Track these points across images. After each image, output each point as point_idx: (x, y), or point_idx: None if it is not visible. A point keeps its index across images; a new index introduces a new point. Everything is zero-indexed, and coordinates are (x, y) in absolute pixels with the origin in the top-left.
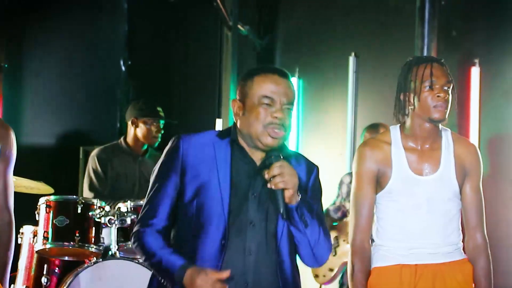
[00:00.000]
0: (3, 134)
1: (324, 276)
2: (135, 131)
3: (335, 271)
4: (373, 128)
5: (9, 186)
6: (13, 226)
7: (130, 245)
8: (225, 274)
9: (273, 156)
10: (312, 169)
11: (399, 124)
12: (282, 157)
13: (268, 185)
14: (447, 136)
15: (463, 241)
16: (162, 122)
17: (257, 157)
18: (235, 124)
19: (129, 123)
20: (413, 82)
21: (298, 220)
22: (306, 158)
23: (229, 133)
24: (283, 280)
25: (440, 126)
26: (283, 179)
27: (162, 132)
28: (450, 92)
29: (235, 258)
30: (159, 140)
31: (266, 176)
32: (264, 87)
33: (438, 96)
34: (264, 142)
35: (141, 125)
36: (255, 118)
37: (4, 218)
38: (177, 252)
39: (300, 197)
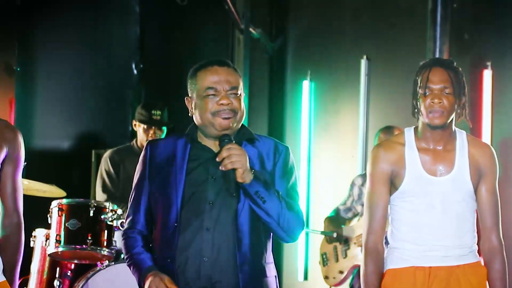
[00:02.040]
0: (11, 137)
1: (334, 278)
2: (137, 134)
3: (345, 273)
4: (388, 130)
5: (18, 188)
6: (22, 228)
7: None
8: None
9: (224, 140)
10: (279, 149)
11: (414, 126)
12: (232, 141)
13: (220, 167)
14: (462, 138)
15: (478, 243)
16: (165, 127)
17: (215, 145)
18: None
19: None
20: (416, 86)
21: (255, 196)
22: (275, 140)
23: (190, 129)
24: (241, 255)
25: (455, 128)
26: (230, 160)
27: (163, 134)
28: (451, 95)
29: (192, 236)
30: None
31: (217, 159)
32: (206, 79)
33: (432, 102)
34: (218, 126)
35: (138, 128)
36: (204, 109)
37: (13, 220)
38: (149, 250)
39: (253, 175)
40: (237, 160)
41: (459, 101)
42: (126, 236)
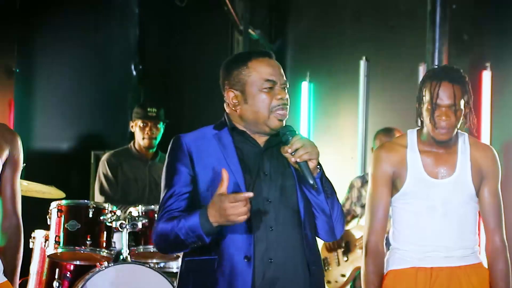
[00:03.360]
0: (10, 139)
1: (336, 281)
2: (135, 135)
3: (347, 277)
4: (388, 131)
5: (17, 191)
6: (22, 230)
7: (142, 249)
8: (249, 194)
9: (287, 132)
10: None
11: (417, 129)
12: (296, 131)
13: (292, 159)
14: (463, 140)
15: (480, 244)
16: (162, 124)
17: (261, 141)
18: (227, 115)
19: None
20: (424, 97)
21: (322, 190)
22: (293, 128)
23: (225, 124)
24: (308, 253)
25: (457, 130)
26: (306, 151)
27: (159, 133)
28: (458, 110)
29: (256, 236)
30: (156, 141)
31: (289, 151)
32: (263, 71)
33: (439, 119)
34: (273, 125)
35: (136, 128)
36: (261, 104)
37: (13, 222)
38: (203, 246)
39: (319, 167)
40: (312, 150)
41: (464, 111)
42: (157, 225)
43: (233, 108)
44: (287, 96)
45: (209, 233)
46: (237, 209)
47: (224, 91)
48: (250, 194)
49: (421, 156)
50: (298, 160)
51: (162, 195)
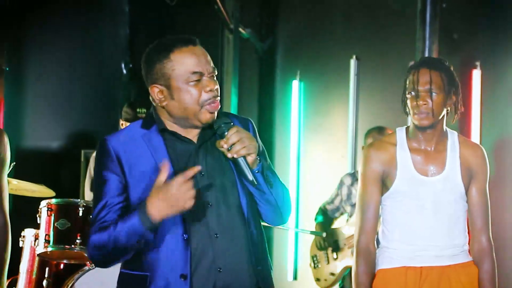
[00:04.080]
0: None
1: (325, 280)
2: None
3: (336, 275)
4: (380, 130)
5: (3, 189)
6: (9, 228)
7: None
8: (194, 169)
9: (222, 124)
10: (247, 124)
11: (406, 126)
12: (232, 123)
13: (229, 155)
14: (453, 138)
15: (469, 243)
16: None
17: (193, 135)
18: (154, 110)
19: None
20: (405, 87)
21: (263, 183)
22: (236, 115)
23: (153, 121)
24: (255, 254)
25: (446, 128)
26: (244, 145)
27: None
28: (438, 95)
29: (202, 245)
30: None
31: (225, 146)
32: (187, 63)
33: (417, 103)
34: (204, 119)
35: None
36: (189, 99)
37: (0, 220)
38: (137, 261)
39: (259, 159)
40: (250, 144)
41: (448, 100)
42: (90, 238)
43: (160, 104)
44: (217, 86)
45: (152, 228)
46: (185, 193)
47: (148, 86)
48: (198, 168)
49: (411, 154)
50: (235, 155)
51: (93, 208)
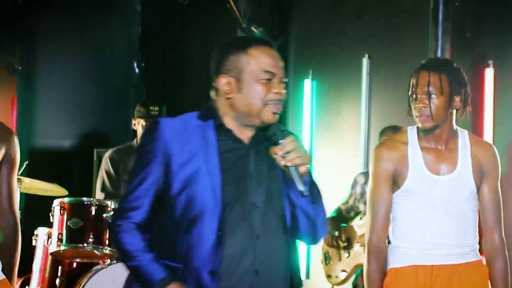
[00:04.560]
0: (7, 137)
1: (336, 276)
2: (137, 132)
3: (348, 273)
4: (396, 130)
5: (14, 189)
6: (19, 229)
7: None
8: None
9: (277, 132)
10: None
11: (417, 125)
12: (287, 132)
13: (282, 162)
14: (463, 137)
15: (480, 242)
16: None
17: (246, 136)
18: (215, 105)
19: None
20: (411, 90)
21: (310, 195)
22: (285, 128)
23: (211, 114)
24: (291, 262)
25: (456, 127)
26: (299, 155)
27: None
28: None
29: (243, 245)
30: None
31: (280, 153)
32: (263, 61)
33: (418, 106)
34: (266, 118)
35: (138, 126)
36: (254, 95)
37: (10, 222)
38: (171, 251)
39: (309, 171)
40: (304, 154)
41: (452, 101)
42: (121, 229)
43: (224, 96)
44: (284, 91)
45: None
46: None
47: (215, 76)
48: None
49: (422, 152)
50: (289, 164)
51: (128, 185)
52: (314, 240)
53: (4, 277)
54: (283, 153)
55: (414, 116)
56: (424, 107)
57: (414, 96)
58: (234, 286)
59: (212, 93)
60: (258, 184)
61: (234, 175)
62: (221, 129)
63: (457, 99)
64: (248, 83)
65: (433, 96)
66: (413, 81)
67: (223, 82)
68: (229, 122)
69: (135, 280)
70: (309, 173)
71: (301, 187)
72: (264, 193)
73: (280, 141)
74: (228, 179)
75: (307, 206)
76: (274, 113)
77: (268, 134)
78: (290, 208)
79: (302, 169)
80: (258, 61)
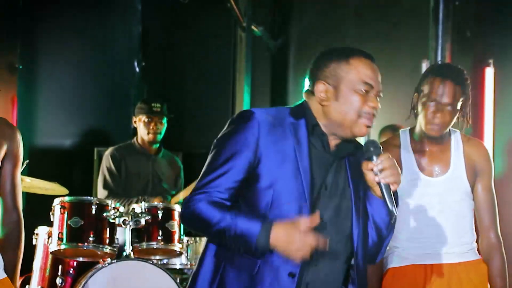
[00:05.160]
0: (10, 134)
1: None
2: (138, 130)
3: None
4: (394, 129)
5: (17, 186)
6: (22, 226)
7: (145, 246)
8: (316, 217)
9: (372, 148)
10: None
11: (409, 128)
12: (381, 149)
13: (376, 179)
14: (456, 137)
15: (477, 241)
16: (165, 119)
17: (332, 145)
18: (307, 104)
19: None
20: (423, 90)
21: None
22: (375, 140)
23: (303, 114)
24: (356, 283)
25: (449, 128)
26: (393, 173)
27: (163, 128)
28: (454, 110)
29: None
30: (161, 136)
31: (374, 169)
32: (363, 72)
33: (434, 115)
34: (357, 131)
35: (139, 124)
36: (350, 105)
37: (13, 218)
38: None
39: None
40: (398, 174)
41: (460, 112)
42: (198, 200)
43: (320, 102)
44: (379, 107)
45: (261, 250)
46: (305, 246)
47: (314, 81)
48: (318, 218)
49: (415, 155)
50: (382, 181)
51: (208, 167)
52: (374, 259)
53: (6, 276)
54: (378, 169)
55: (425, 122)
56: (437, 117)
57: (433, 103)
58: None
59: (304, 95)
60: (329, 198)
61: (317, 184)
62: (315, 131)
63: (465, 109)
64: (346, 92)
65: (447, 107)
66: (436, 87)
67: (320, 88)
68: (322, 127)
69: (227, 244)
70: (396, 194)
71: (391, 206)
72: (333, 209)
73: (374, 157)
74: (313, 187)
75: (385, 223)
76: (368, 127)
77: (363, 149)
78: (359, 229)
79: (393, 188)
80: (358, 71)
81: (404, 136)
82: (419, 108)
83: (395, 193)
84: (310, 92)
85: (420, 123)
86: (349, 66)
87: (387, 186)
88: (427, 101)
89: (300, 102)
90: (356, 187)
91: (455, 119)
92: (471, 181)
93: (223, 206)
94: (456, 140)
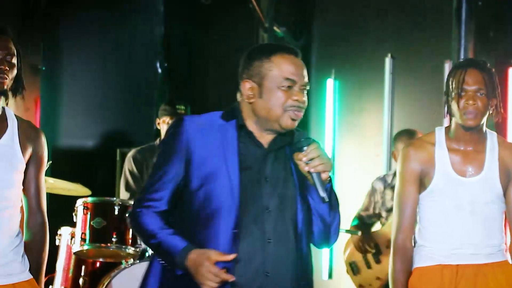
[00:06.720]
0: (35, 136)
1: (370, 285)
2: (161, 132)
3: (383, 279)
4: (410, 134)
5: (41, 188)
6: (47, 228)
7: None
8: (230, 256)
9: (302, 139)
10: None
11: (445, 126)
12: (312, 139)
13: (306, 168)
14: (492, 139)
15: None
16: None
17: (266, 140)
18: (239, 106)
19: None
20: (450, 87)
21: (329, 201)
22: (309, 135)
23: (234, 115)
24: (301, 269)
25: (485, 129)
26: (322, 162)
27: None
28: (485, 96)
29: (253, 246)
30: None
31: (304, 159)
32: (285, 68)
33: (466, 103)
34: (284, 124)
35: (163, 125)
36: (275, 101)
37: (38, 220)
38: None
39: (330, 178)
40: (327, 162)
41: (491, 102)
42: (142, 214)
43: (247, 100)
44: (305, 98)
45: (180, 268)
46: (209, 279)
47: (241, 80)
48: (231, 278)
49: (449, 154)
50: (312, 170)
51: (150, 177)
52: (326, 244)
53: (31, 277)
54: (307, 159)
55: (459, 114)
56: (474, 104)
57: (461, 93)
58: (245, 285)
59: (238, 95)
60: (273, 188)
61: (250, 177)
62: (243, 130)
63: (494, 100)
64: (269, 89)
65: (482, 94)
66: (459, 77)
67: (246, 86)
68: (251, 125)
69: (158, 258)
70: (330, 180)
71: (322, 193)
72: (278, 198)
73: (304, 147)
74: (244, 181)
75: (324, 211)
76: (293, 120)
77: (293, 141)
78: (304, 214)
79: (324, 175)
80: (280, 69)
81: (439, 134)
82: (453, 107)
83: (330, 179)
84: (240, 93)
85: (456, 118)
86: (270, 63)
87: (318, 174)
88: (457, 93)
89: (233, 106)
90: (300, 176)
91: (489, 109)
92: (504, 184)
93: (163, 219)
94: (492, 142)
